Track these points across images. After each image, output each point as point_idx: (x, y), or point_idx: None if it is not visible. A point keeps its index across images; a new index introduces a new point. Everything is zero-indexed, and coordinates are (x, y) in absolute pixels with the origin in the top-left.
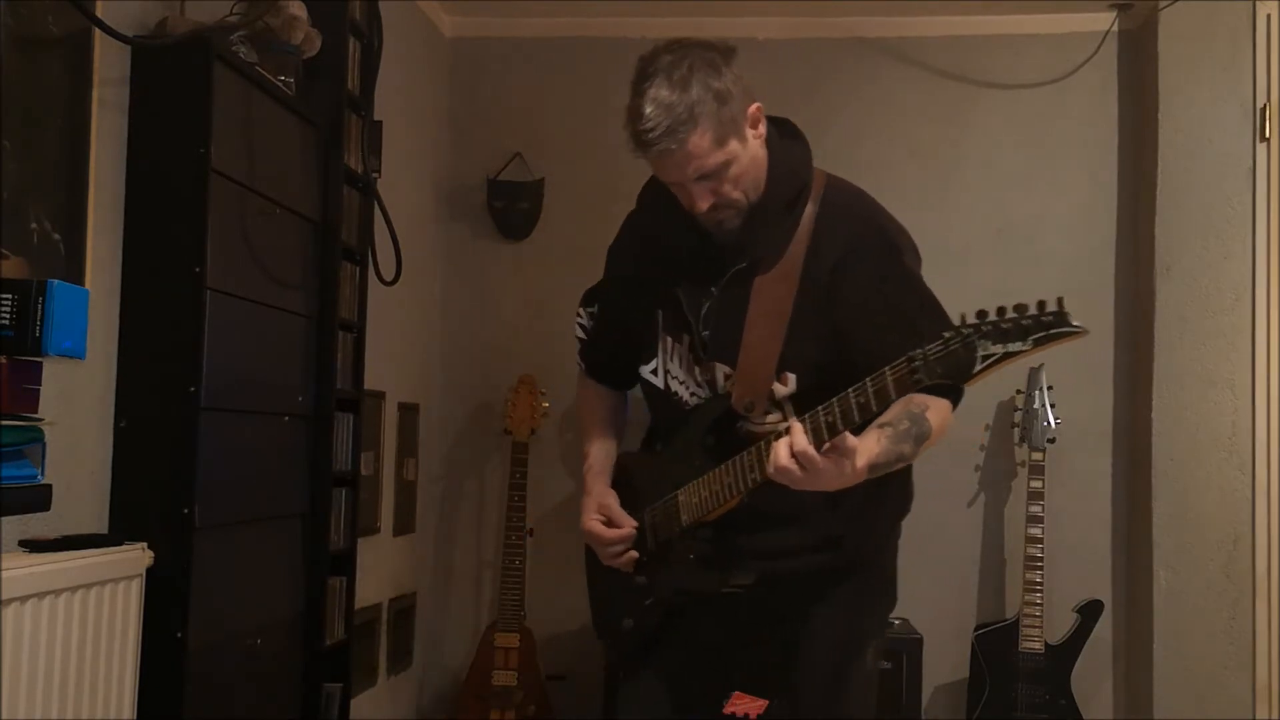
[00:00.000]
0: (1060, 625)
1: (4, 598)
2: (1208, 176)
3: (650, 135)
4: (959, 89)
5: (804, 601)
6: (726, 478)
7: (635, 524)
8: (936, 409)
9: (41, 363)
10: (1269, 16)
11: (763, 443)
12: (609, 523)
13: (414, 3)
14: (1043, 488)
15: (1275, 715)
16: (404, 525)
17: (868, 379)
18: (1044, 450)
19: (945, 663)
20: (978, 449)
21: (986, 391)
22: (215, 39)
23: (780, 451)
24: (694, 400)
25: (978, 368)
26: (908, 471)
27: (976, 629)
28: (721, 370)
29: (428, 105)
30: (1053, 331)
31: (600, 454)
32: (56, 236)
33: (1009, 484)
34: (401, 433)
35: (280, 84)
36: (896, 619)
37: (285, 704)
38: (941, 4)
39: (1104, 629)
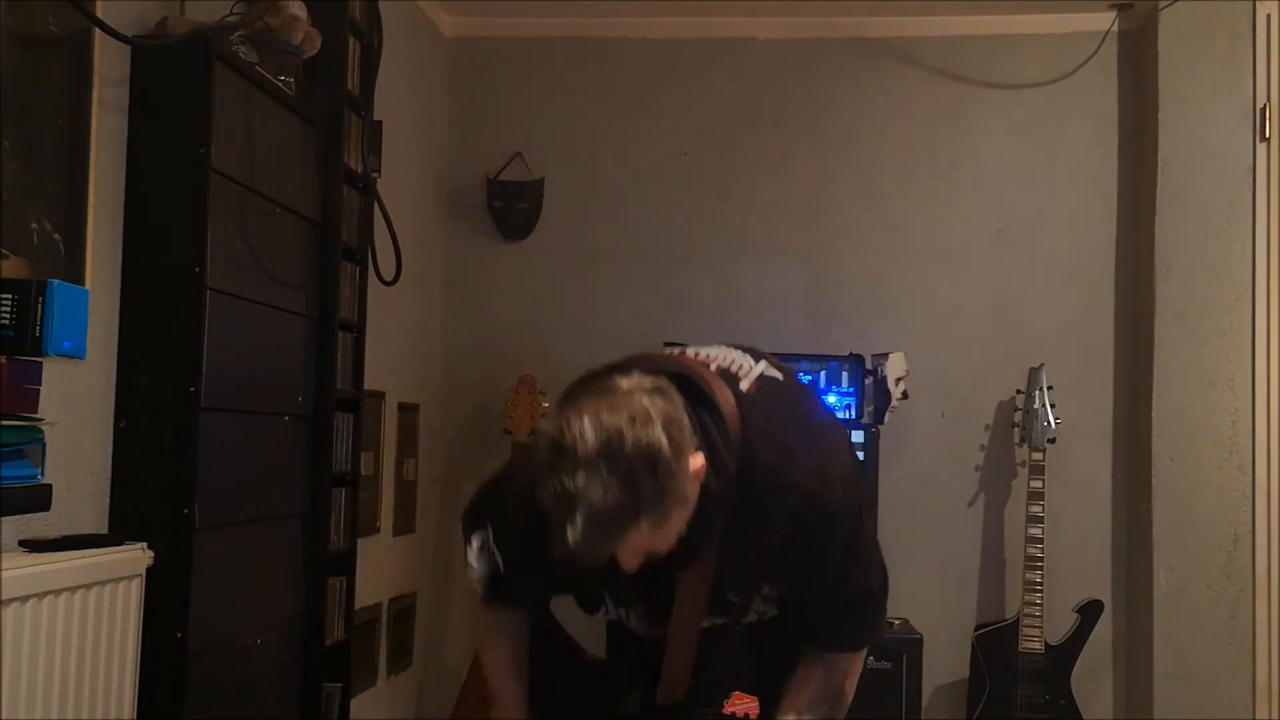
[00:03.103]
0: (1060, 625)
1: (4, 598)
2: (1208, 176)
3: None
4: (959, 89)
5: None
6: None
7: None
8: (853, 672)
9: (41, 363)
10: (1269, 16)
11: None
12: None
13: (414, 3)
14: (1043, 488)
15: (1275, 715)
16: (404, 525)
17: None
18: (1044, 450)
19: (945, 663)
20: (978, 449)
21: (986, 391)
22: (215, 39)
23: None
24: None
25: None
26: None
27: (976, 629)
28: None
29: (428, 105)
30: None
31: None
32: (56, 236)
33: (1009, 484)
34: (401, 433)
35: (280, 84)
36: (896, 619)
37: (285, 704)
38: (941, 4)
39: (1104, 629)
